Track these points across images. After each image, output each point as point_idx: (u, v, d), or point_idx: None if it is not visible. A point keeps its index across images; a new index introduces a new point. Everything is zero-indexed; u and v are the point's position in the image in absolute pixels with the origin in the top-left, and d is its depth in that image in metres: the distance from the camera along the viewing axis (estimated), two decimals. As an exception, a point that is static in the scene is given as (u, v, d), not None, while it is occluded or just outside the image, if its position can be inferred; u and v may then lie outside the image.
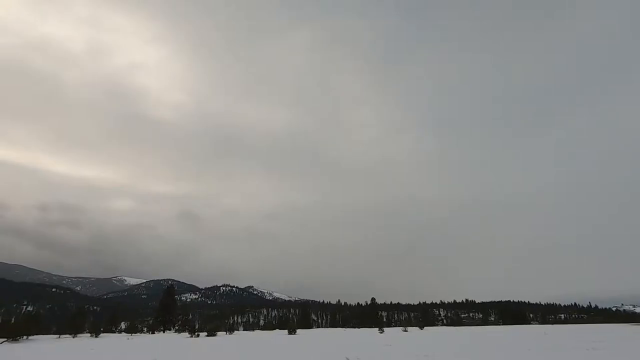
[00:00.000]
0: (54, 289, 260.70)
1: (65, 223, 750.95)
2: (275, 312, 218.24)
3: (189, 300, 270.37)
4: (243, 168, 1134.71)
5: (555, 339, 29.49)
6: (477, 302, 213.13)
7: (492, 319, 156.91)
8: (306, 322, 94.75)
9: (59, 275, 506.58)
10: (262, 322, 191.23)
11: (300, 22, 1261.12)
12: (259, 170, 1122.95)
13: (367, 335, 42.92)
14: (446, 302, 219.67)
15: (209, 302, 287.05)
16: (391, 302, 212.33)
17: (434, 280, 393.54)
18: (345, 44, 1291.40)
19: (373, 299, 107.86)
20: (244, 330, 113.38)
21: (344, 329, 71.20)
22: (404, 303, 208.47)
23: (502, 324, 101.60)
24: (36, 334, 45.13)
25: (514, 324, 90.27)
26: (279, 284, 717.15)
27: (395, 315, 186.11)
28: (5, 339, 39.20)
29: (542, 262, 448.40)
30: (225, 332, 52.00)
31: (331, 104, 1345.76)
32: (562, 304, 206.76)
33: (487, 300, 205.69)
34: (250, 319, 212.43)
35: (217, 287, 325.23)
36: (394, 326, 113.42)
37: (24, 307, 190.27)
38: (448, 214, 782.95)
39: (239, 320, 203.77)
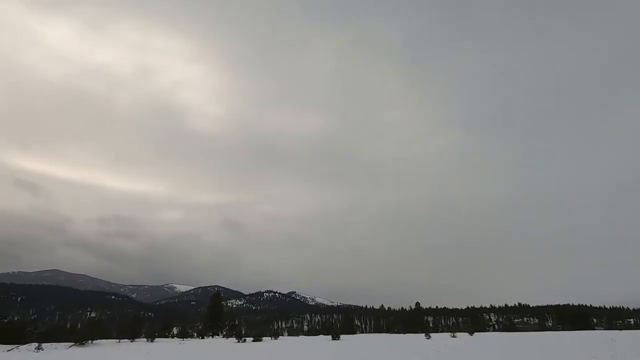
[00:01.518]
0: (113, 296, 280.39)
1: (121, 234, 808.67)
2: (318, 317, 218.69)
3: (234, 306, 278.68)
4: (280, 175, 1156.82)
5: (625, 347, 26.84)
6: (531, 305, 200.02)
7: (550, 324, 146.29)
8: (350, 328, 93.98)
9: (117, 283, 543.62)
10: (305, 328, 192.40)
11: (326, 28, 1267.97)
12: (296, 176, 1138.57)
13: (414, 341, 41.68)
14: (497, 306, 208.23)
15: (254, 308, 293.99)
16: (437, 307, 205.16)
17: (482, 283, 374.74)
18: (372, 47, 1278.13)
19: (417, 304, 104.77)
20: (288, 335, 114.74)
21: (389, 334, 69.69)
22: (450, 307, 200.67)
23: (562, 329, 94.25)
24: (99, 338, 48.63)
25: (575, 329, 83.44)
26: (321, 289, 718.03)
27: (442, 321, 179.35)
28: (73, 343, 42.67)
29: (603, 260, 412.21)
30: (270, 338, 52.89)
31: (362, 107, 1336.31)
32: (631, 308, 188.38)
33: (543, 304, 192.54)
34: (294, 325, 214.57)
35: (260, 293, 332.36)
36: (440, 332, 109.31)
37: (88, 313, 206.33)
38: (491, 213, 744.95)
39: (283, 326, 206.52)
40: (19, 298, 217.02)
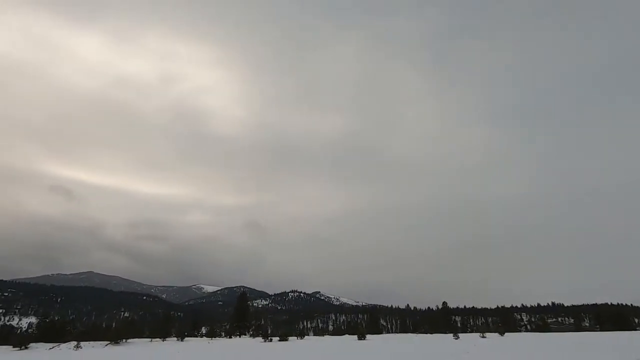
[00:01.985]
0: (144, 297, 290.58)
1: (151, 237, 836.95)
2: (343, 317, 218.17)
3: (260, 306, 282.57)
4: (303, 175, 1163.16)
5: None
6: (565, 305, 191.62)
7: (587, 324, 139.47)
8: (375, 328, 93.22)
9: (148, 285, 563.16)
10: (330, 328, 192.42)
11: (345, 28, 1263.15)
12: (319, 176, 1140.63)
13: (442, 341, 40.85)
14: (529, 305, 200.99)
15: (279, 308, 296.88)
16: (465, 307, 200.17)
17: (512, 282, 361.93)
18: (391, 46, 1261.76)
19: (444, 303, 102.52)
20: (313, 335, 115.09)
21: (415, 334, 68.64)
22: (479, 307, 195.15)
23: (599, 330, 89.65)
24: (133, 338, 50.57)
25: (614, 330, 79.18)
26: (345, 289, 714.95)
27: (471, 320, 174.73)
28: (109, 342, 44.57)
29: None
30: (296, 337, 53.29)
31: (382, 105, 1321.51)
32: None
33: (579, 303, 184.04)
34: (319, 324, 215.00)
35: (285, 293, 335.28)
36: (469, 332, 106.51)
37: (122, 313, 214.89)
38: (521, 209, 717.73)
39: (308, 326, 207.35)
40: (58, 299, 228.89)
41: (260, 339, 50.75)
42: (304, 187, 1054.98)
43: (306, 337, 62.10)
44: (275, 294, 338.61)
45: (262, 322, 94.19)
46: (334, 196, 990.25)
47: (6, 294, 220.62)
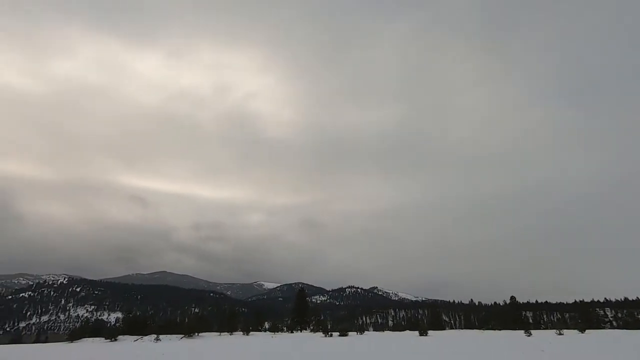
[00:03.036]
0: (211, 294, 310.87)
1: (214, 238, 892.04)
2: (403, 312, 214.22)
3: (318, 301, 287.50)
4: (357, 171, 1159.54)
5: None
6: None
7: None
8: (437, 323, 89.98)
9: (214, 282, 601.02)
10: (390, 323, 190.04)
11: (389, 19, 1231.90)
12: (373, 170, 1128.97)
13: (512, 338, 38.32)
14: (613, 300, 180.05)
15: (337, 304, 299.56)
16: (536, 301, 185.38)
17: (592, 274, 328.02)
18: (443, 28, 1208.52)
19: (513, 298, 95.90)
20: (373, 330, 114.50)
21: (482, 330, 65.16)
22: (552, 302, 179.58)
23: None
24: (203, 332, 54.46)
25: None
26: (404, 283, 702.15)
27: (544, 316, 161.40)
28: (183, 335, 48.47)
29: None
30: (356, 333, 53.46)
31: (434, 93, 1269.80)
32: None
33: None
34: (379, 320, 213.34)
35: (342, 289, 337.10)
36: (543, 328, 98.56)
37: (193, 309, 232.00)
38: (598, 194, 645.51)
39: (368, 321, 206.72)
40: (138, 296, 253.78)
41: (320, 334, 51.67)
42: (357, 182, 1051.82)
43: (366, 332, 62.02)
44: (332, 290, 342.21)
45: (321, 317, 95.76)
46: (387, 190, 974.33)
47: (97, 292, 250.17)
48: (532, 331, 51.49)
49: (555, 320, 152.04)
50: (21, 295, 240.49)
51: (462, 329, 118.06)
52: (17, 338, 74.76)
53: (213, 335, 52.81)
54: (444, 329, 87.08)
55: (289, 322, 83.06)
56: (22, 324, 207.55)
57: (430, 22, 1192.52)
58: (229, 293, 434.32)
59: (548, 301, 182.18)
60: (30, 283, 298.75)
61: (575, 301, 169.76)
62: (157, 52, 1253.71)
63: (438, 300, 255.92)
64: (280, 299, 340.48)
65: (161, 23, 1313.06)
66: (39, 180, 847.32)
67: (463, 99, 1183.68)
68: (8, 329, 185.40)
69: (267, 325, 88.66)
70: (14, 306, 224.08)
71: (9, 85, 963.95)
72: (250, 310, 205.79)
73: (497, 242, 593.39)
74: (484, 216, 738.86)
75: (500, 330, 65.06)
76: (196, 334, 50.10)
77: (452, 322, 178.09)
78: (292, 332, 70.39)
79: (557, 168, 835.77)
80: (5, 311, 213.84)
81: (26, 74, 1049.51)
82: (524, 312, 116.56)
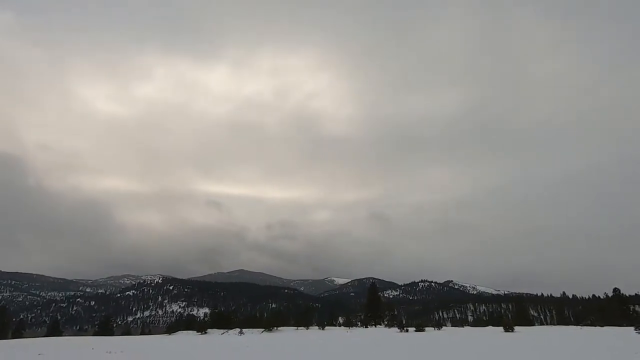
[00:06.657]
0: (285, 290, 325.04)
1: (285, 236, 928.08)
2: (483, 307, 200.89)
3: (390, 296, 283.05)
4: (424, 161, 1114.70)
5: None
6: None
7: None
8: (524, 319, 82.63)
9: (288, 279, 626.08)
10: (470, 318, 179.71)
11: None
12: (441, 159, 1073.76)
13: (619, 335, 33.55)
14: None
15: (410, 298, 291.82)
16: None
17: None
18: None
19: (616, 290, 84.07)
20: (451, 326, 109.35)
21: (579, 327, 58.22)
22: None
23: None
24: (281, 326, 57.16)
25: None
26: (482, 276, 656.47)
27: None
28: (263, 329, 51.39)
29: None
30: (433, 328, 51.57)
31: (506, 67, 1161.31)
32: None
33: None
34: (457, 315, 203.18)
35: (415, 283, 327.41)
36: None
37: (270, 304, 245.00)
38: None
39: (445, 316, 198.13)
40: (221, 293, 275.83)
41: (395, 329, 50.83)
42: (427, 172, 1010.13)
43: (444, 327, 59.44)
44: (404, 284, 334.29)
45: (395, 312, 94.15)
46: (460, 178, 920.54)
47: (186, 289, 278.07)
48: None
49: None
50: (127, 293, 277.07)
51: (553, 324, 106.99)
52: (126, 331, 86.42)
53: (290, 329, 55.14)
54: (532, 325, 79.71)
55: (362, 317, 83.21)
56: (130, 318, 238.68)
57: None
58: (302, 289, 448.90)
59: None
60: (133, 283, 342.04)
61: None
62: (221, 66, 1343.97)
63: (524, 293, 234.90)
64: (352, 294, 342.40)
65: (221, 39, 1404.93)
66: (135, 193, 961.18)
67: (541, 69, 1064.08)
68: (120, 323, 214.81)
69: (340, 320, 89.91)
70: (122, 303, 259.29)
71: (100, 111, 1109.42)
72: (324, 306, 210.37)
73: (593, 228, 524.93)
74: (577, 200, 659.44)
75: (601, 326, 57.46)
76: (275, 328, 52.79)
77: (541, 317, 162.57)
78: (366, 327, 70.39)
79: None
80: (117, 307, 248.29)
81: (113, 100, 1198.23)
82: (632, 306, 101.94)
